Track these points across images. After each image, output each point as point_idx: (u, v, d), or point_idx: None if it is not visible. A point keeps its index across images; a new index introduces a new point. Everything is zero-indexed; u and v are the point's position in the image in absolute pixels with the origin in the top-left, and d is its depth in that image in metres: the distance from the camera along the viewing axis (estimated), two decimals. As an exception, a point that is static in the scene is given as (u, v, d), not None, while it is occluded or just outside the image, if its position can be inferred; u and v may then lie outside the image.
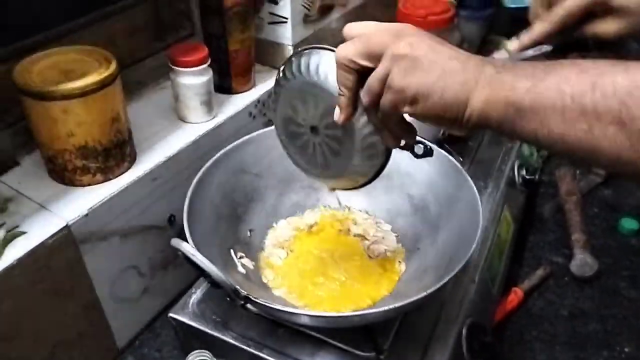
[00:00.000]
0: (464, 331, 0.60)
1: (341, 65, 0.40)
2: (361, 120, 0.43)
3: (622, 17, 0.52)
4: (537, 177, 0.87)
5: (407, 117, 0.41)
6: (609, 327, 0.75)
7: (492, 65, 0.37)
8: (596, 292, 0.80)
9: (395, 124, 0.42)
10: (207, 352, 0.44)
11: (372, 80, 0.39)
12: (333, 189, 0.55)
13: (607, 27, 0.53)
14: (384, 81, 0.38)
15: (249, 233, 0.65)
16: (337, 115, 0.43)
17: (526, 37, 0.57)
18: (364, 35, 0.40)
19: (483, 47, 1.12)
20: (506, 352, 0.72)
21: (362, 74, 0.40)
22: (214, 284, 0.45)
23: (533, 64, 0.36)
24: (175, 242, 0.43)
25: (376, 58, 0.39)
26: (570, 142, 0.33)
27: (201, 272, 0.44)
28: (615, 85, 0.31)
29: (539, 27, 0.56)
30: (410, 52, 0.37)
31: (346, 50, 0.40)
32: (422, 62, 0.37)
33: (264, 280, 0.62)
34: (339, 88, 0.42)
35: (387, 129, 0.43)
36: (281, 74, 0.47)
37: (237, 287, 0.46)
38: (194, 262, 0.43)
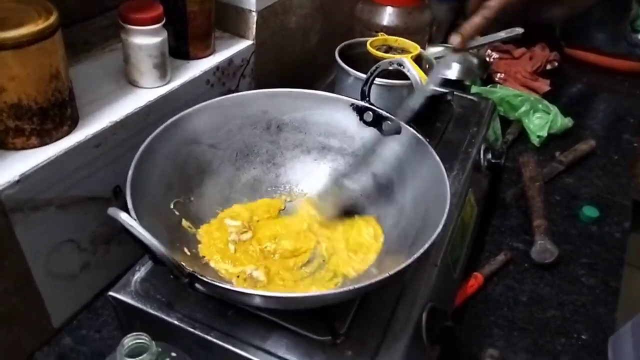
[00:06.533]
0: (424, 316, 0.57)
1: None
2: None
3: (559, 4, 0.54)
4: (502, 161, 0.86)
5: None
6: (567, 313, 0.74)
7: None
8: (555, 278, 0.80)
9: None
10: (145, 334, 0.40)
11: None
12: None
13: (552, 12, 0.55)
14: None
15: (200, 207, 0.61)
16: None
17: (468, 27, 0.57)
18: None
19: (451, 30, 1.11)
20: (465, 336, 0.70)
21: None
22: (155, 260, 0.41)
23: None
24: (113, 211, 0.39)
25: None
26: None
27: (142, 246, 0.40)
28: None
29: (480, 18, 0.57)
30: None
31: None
32: None
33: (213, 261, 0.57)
34: None
35: None
36: None
37: (182, 263, 0.42)
38: (133, 234, 0.39)
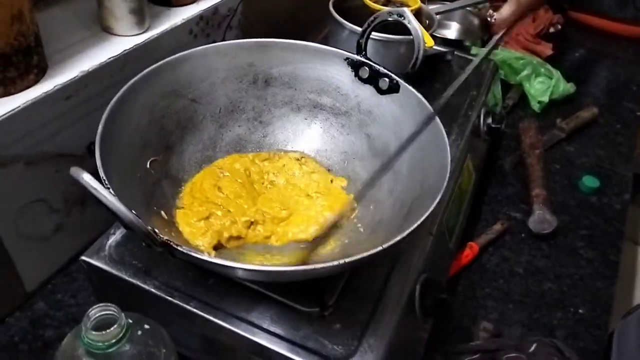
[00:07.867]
0: (417, 287, 0.54)
1: None
2: None
3: None
4: (503, 126, 0.82)
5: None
6: (564, 287, 0.72)
7: None
8: (553, 250, 0.77)
9: None
10: (114, 305, 0.36)
11: None
12: None
13: None
14: None
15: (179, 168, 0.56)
16: None
17: None
18: None
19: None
20: (458, 308, 0.68)
21: None
22: (125, 226, 0.36)
23: None
24: (75, 171, 0.34)
25: None
26: None
27: (108, 211, 0.35)
28: None
29: None
30: None
31: None
32: None
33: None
34: None
35: None
36: None
37: (155, 230, 0.37)
38: (98, 198, 0.34)
